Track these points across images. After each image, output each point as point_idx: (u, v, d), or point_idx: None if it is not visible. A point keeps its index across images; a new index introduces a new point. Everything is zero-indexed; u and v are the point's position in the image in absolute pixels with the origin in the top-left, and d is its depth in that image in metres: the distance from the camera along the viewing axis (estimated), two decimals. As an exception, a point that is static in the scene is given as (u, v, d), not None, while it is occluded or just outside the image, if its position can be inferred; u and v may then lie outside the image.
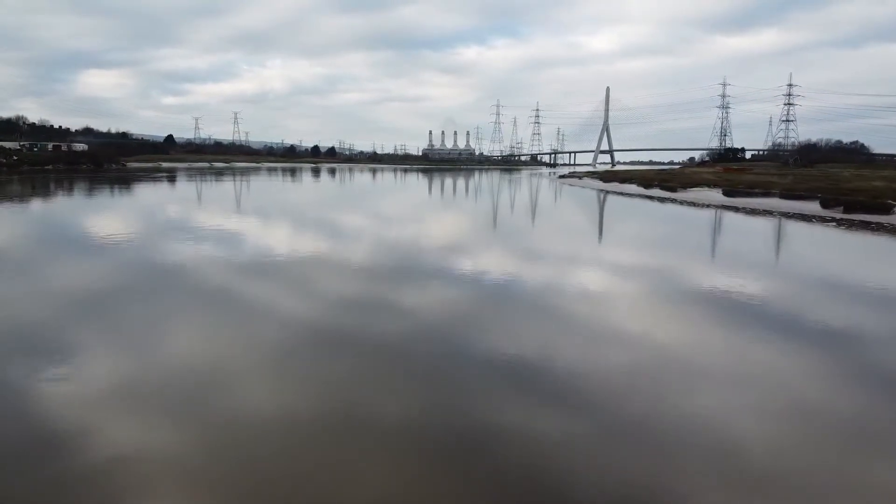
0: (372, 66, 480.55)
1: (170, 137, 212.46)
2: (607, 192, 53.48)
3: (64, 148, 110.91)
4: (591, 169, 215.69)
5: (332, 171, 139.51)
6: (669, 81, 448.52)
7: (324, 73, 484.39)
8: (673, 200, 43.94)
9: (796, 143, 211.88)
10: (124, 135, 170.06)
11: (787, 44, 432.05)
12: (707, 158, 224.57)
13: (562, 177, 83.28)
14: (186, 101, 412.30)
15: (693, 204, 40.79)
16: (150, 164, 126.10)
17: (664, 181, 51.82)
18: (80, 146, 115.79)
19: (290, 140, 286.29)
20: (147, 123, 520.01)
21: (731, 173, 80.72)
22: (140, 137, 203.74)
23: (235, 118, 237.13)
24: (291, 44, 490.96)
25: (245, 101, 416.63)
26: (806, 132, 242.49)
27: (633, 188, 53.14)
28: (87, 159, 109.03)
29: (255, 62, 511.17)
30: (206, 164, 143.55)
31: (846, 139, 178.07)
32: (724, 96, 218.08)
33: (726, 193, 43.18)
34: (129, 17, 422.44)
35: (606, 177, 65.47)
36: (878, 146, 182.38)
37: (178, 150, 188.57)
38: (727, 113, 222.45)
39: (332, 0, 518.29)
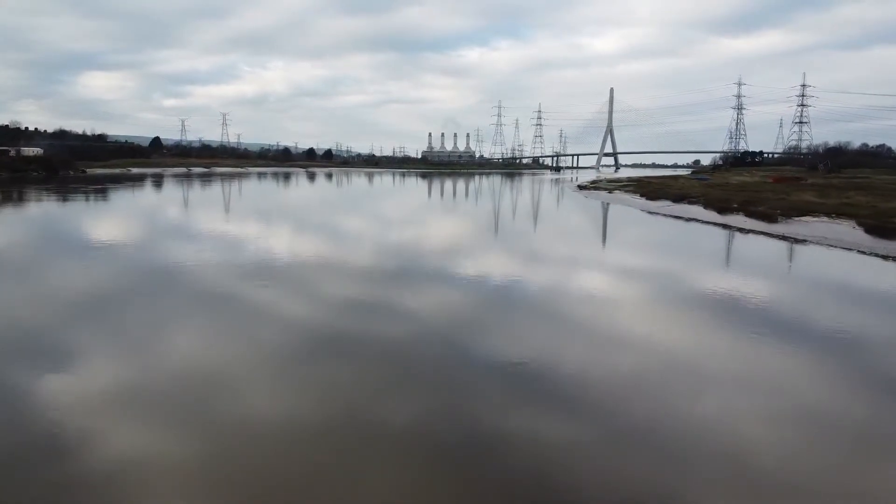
0: (374, 68, 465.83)
1: (156, 140, 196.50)
2: (662, 216, 37.25)
3: (12, 153, 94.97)
4: (596, 175, 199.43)
5: (322, 176, 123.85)
6: (672, 84, 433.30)
7: (325, 75, 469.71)
8: (778, 237, 27.72)
9: (811, 146, 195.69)
10: (101, 137, 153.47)
11: (791, 46, 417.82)
12: (720, 162, 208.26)
13: (581, 188, 66.71)
14: (187, 104, 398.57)
15: (822, 245, 24.62)
16: (117, 170, 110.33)
17: (747, 204, 35.35)
18: (34, 151, 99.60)
19: (291, 143, 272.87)
20: (148, 126, 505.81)
21: (790, 185, 64.38)
22: (125, 140, 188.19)
23: (224, 120, 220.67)
24: (293, 45, 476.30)
25: (246, 103, 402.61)
26: (816, 134, 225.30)
27: (699, 212, 36.89)
28: (38, 165, 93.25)
29: (257, 64, 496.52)
30: (183, 169, 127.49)
31: (857, 141, 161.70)
32: (739, 97, 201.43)
33: (872, 231, 26.82)
34: (130, 19, 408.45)
35: (649, 191, 48.83)
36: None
37: (162, 154, 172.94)
38: (741, 115, 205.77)
39: (334, 1, 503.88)
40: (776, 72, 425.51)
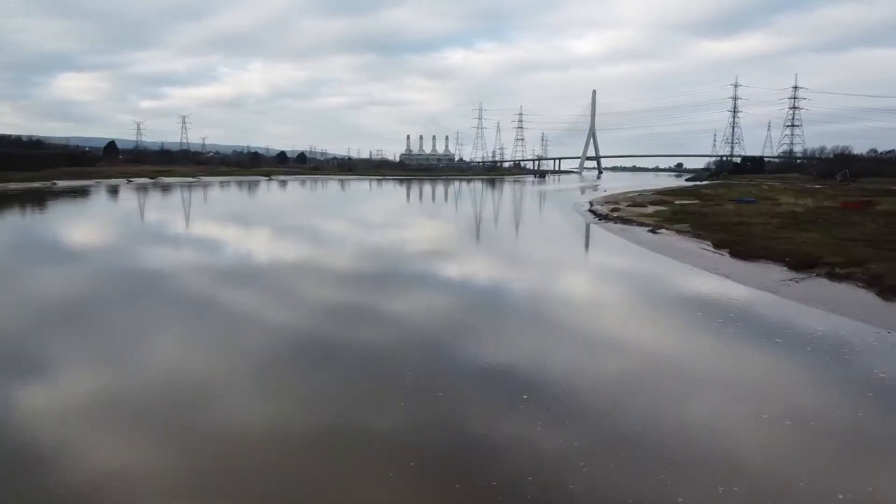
0: (355, 70, 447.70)
1: (111, 144, 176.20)
2: (819, 312, 19.34)
3: None
4: (580, 179, 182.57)
5: (285, 185, 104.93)
6: (654, 86, 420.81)
7: (306, 77, 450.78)
8: None
9: (806, 151, 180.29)
10: (38, 143, 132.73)
11: (773, 48, 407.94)
12: (712, 166, 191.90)
13: (599, 216, 48.43)
14: (164, 105, 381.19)
15: None
16: (37, 184, 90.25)
17: None
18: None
19: (265, 145, 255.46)
20: (125, 128, 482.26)
21: (864, 210, 47.18)
22: (75, 145, 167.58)
23: (183, 122, 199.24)
24: (273, 47, 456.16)
25: (224, 105, 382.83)
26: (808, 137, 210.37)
27: (880, 310, 19.18)
28: (-77, 180, 73.54)
29: (236, 65, 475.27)
30: (122, 180, 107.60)
31: (842, 144, 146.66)
32: (735, 98, 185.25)
33: None
34: (106, 20, 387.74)
35: (729, 241, 30.39)
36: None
37: (117, 160, 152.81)
38: (737, 118, 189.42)
39: (316, 2, 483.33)
40: (758, 74, 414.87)
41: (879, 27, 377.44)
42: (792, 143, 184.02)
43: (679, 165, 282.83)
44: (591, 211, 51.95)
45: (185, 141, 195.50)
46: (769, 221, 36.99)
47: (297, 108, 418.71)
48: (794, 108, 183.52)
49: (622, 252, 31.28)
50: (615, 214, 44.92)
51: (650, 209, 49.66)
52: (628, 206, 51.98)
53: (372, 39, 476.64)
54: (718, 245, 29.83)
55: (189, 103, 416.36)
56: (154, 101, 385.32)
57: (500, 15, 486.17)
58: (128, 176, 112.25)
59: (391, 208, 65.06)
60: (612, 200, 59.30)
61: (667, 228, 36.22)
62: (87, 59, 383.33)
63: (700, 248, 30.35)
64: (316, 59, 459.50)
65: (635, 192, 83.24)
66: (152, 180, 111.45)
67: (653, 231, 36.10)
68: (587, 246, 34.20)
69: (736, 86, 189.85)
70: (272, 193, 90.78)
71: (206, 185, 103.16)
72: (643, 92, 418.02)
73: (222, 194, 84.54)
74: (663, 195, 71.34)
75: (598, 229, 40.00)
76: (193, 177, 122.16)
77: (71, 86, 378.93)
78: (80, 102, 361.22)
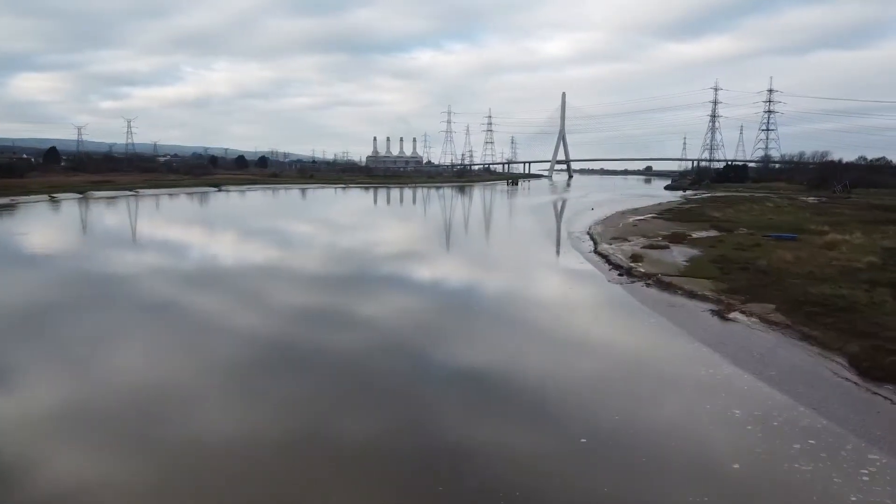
0: (322, 70, 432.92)
1: (52, 150, 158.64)
2: None
3: None
4: (552, 192, 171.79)
5: (235, 198, 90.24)
6: (622, 88, 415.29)
7: (272, 77, 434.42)
8: None
9: (783, 155, 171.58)
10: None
11: (740, 50, 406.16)
12: (692, 173, 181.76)
13: (615, 267, 35.09)
14: (126, 106, 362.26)
15: None
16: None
17: None
18: None
19: (230, 147, 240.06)
20: (84, 129, 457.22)
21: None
22: (12, 151, 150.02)
23: (129, 126, 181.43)
24: (239, 46, 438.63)
25: (187, 105, 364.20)
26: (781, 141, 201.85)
27: None
28: None
29: (201, 65, 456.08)
30: (44, 196, 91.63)
31: (813, 148, 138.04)
32: (715, 102, 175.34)
33: None
34: (67, 18, 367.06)
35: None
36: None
37: (55, 168, 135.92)
38: (717, 122, 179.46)
39: (283, 1, 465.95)
40: (725, 76, 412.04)
41: (845, 29, 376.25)
42: (767, 148, 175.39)
43: (648, 168, 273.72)
44: (599, 254, 39.21)
45: (130, 143, 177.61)
46: (880, 298, 24.73)
47: (262, 108, 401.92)
48: (770, 111, 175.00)
49: (692, 377, 18.35)
50: (640, 268, 32.21)
51: (677, 253, 37.30)
52: (645, 246, 39.43)
53: (340, 39, 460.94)
54: (867, 371, 17.22)
55: (151, 103, 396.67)
56: (115, 101, 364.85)
57: (470, 16, 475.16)
58: (53, 190, 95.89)
59: (342, 237, 51.73)
60: (618, 234, 46.68)
61: (741, 310, 23.58)
62: (46, 58, 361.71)
63: (836, 377, 17.70)
64: (282, 59, 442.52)
65: (631, 211, 71.21)
66: (81, 195, 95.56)
67: (720, 314, 23.42)
68: (628, 353, 21.22)
69: (716, 89, 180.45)
70: (204, 216, 76.43)
71: (138, 202, 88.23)
72: (611, 94, 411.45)
73: (137, 224, 69.99)
74: (669, 220, 59.42)
75: (629, 301, 27.11)
76: (132, 189, 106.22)
77: (30, 86, 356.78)
78: (39, 103, 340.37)
